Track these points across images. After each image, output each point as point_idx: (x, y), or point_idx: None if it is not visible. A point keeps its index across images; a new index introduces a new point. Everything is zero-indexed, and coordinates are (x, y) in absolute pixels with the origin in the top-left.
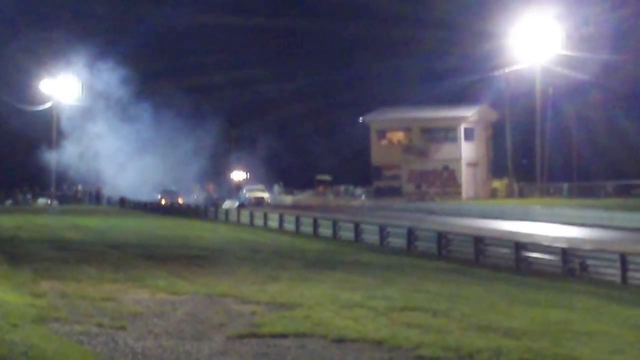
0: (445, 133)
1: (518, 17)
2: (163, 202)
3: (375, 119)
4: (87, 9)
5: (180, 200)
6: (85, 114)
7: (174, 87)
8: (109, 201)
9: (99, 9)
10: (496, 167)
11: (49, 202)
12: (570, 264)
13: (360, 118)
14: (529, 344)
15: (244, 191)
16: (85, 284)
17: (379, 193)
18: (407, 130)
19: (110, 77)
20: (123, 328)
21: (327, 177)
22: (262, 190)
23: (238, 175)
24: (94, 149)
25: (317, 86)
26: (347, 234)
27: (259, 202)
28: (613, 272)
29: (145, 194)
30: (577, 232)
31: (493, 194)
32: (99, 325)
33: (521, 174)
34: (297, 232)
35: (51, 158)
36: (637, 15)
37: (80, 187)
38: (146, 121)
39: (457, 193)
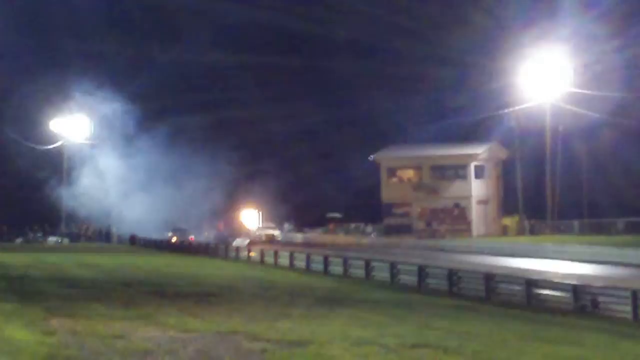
0: (456, 171)
1: (528, 55)
2: (174, 239)
3: (385, 156)
4: (98, 47)
5: (191, 238)
6: (95, 152)
7: (185, 126)
8: (120, 239)
9: (110, 48)
10: (507, 204)
11: (59, 240)
12: (582, 301)
13: (371, 156)
14: None
15: (255, 229)
16: (95, 322)
17: (390, 230)
18: (418, 168)
19: (120, 115)
20: None
21: (337, 215)
22: (273, 228)
23: (249, 214)
24: (104, 186)
25: (328, 124)
26: (358, 271)
27: (270, 239)
28: (624, 309)
29: (155, 232)
30: (588, 269)
31: (503, 231)
32: None
33: (532, 211)
34: (308, 270)
35: (61, 196)
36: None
37: (90, 225)
38: (156, 159)
39: (468, 230)
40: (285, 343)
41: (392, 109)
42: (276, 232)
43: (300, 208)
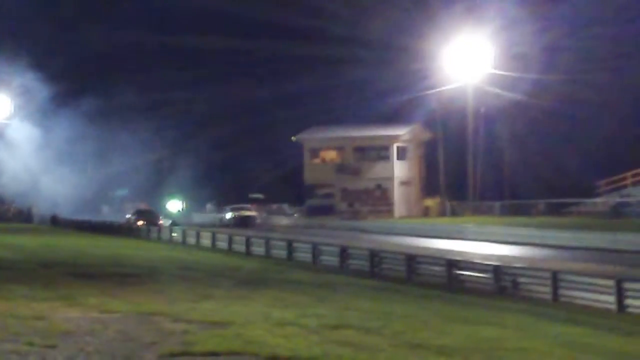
0: (378, 152)
1: (450, 37)
2: (140, 223)
3: (308, 137)
4: (19, 27)
5: (160, 222)
6: (16, 131)
7: (108, 106)
8: (41, 219)
9: (32, 28)
10: (429, 186)
11: None
12: (502, 282)
13: (293, 137)
14: None
15: (227, 209)
16: (15, 303)
17: (312, 211)
18: (340, 149)
19: (42, 95)
20: (54, 346)
21: (259, 196)
22: (249, 209)
23: (173, 197)
24: (26, 166)
25: (250, 105)
26: (280, 252)
27: (245, 221)
28: (544, 290)
29: (78, 212)
30: (509, 250)
31: (425, 212)
32: (30, 344)
33: (454, 192)
34: (230, 251)
35: None
36: (567, 35)
37: (11, 206)
38: (79, 138)
39: (390, 211)
40: (206, 324)
41: (315, 90)
42: (254, 213)
43: (224, 189)
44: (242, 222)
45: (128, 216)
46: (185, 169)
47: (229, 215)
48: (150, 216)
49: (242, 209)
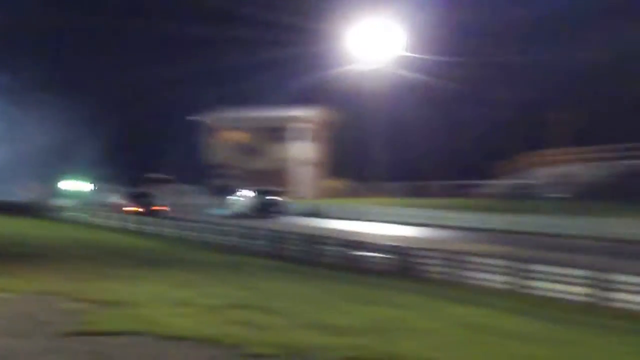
0: (280, 133)
1: (362, 19)
2: (132, 209)
3: (210, 117)
4: None
5: (164, 208)
6: None
7: (14, 83)
8: None
9: None
10: (332, 167)
11: None
12: (402, 263)
13: (195, 117)
14: (357, 341)
15: (243, 192)
16: None
17: (213, 192)
18: (243, 129)
19: None
20: None
21: (160, 176)
22: (275, 192)
23: (73, 176)
24: None
25: (152, 87)
26: (185, 233)
27: (268, 209)
28: (443, 271)
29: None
30: (408, 231)
31: (327, 193)
32: None
33: (355, 173)
34: (135, 231)
35: None
36: (474, 20)
37: None
38: None
39: (290, 192)
40: (105, 304)
41: (218, 70)
42: (279, 197)
43: (124, 169)
44: (265, 210)
45: (116, 200)
46: (88, 149)
47: (244, 201)
48: (144, 200)
49: (268, 192)
